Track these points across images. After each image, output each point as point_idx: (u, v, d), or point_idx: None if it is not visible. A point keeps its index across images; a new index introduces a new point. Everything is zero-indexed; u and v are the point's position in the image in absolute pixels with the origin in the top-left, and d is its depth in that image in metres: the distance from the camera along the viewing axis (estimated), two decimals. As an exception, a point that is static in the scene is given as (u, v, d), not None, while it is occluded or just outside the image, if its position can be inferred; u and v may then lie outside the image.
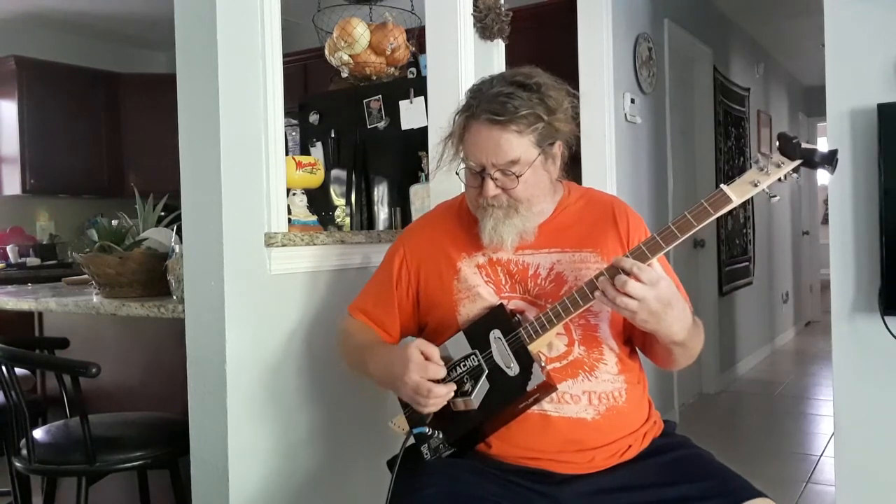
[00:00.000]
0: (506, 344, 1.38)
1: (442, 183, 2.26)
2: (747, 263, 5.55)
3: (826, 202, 2.63)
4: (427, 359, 1.36)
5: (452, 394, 1.38)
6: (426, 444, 1.44)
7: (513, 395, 1.37)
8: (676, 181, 4.30)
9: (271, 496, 1.79)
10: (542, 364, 1.38)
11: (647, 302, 1.24)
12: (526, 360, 1.36)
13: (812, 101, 7.83)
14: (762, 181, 1.22)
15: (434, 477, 1.35)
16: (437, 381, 1.35)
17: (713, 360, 4.77)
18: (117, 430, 1.90)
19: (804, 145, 1.20)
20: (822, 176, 9.03)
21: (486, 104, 1.38)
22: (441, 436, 1.43)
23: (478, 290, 1.47)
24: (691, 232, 1.27)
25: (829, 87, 2.37)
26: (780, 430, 4.03)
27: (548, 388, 1.36)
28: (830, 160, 1.20)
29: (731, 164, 5.26)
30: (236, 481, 1.71)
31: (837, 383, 2.38)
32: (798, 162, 1.21)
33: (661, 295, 1.25)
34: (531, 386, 1.35)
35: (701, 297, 4.68)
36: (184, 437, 1.78)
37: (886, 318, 2.26)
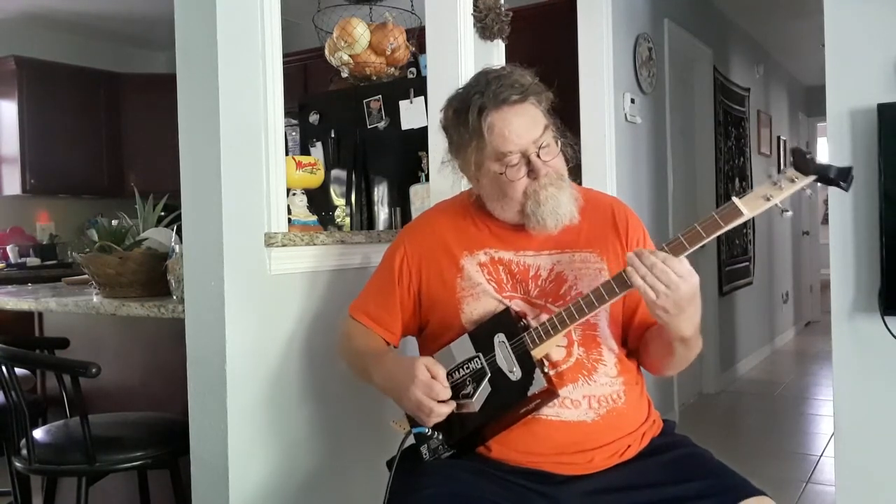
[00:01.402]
0: (509, 348, 1.38)
1: (442, 183, 2.26)
2: (747, 263, 5.55)
3: (826, 202, 2.63)
4: (433, 378, 1.35)
5: (453, 409, 1.37)
6: (425, 445, 1.44)
7: (514, 399, 1.37)
8: (676, 181, 4.30)
9: (271, 496, 1.79)
10: (545, 370, 1.38)
11: (675, 291, 1.25)
12: (528, 365, 1.36)
13: (812, 102, 7.83)
14: (775, 196, 1.21)
15: (433, 477, 1.35)
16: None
17: (713, 360, 4.77)
18: (117, 430, 1.90)
19: (819, 161, 1.19)
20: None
21: (497, 91, 1.38)
22: (441, 437, 1.43)
23: (482, 288, 1.47)
24: (701, 243, 1.27)
25: (829, 87, 2.37)
26: (780, 430, 4.03)
27: (549, 394, 1.36)
28: (846, 177, 1.19)
29: (731, 164, 5.26)
30: (236, 481, 1.71)
31: (837, 383, 2.38)
32: (812, 178, 1.20)
33: (689, 289, 1.27)
34: (532, 391, 1.35)
35: (701, 297, 4.67)
36: (184, 437, 1.78)
37: (886, 318, 2.25)
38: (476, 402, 1.39)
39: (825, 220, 4.71)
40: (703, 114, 4.86)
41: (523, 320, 1.41)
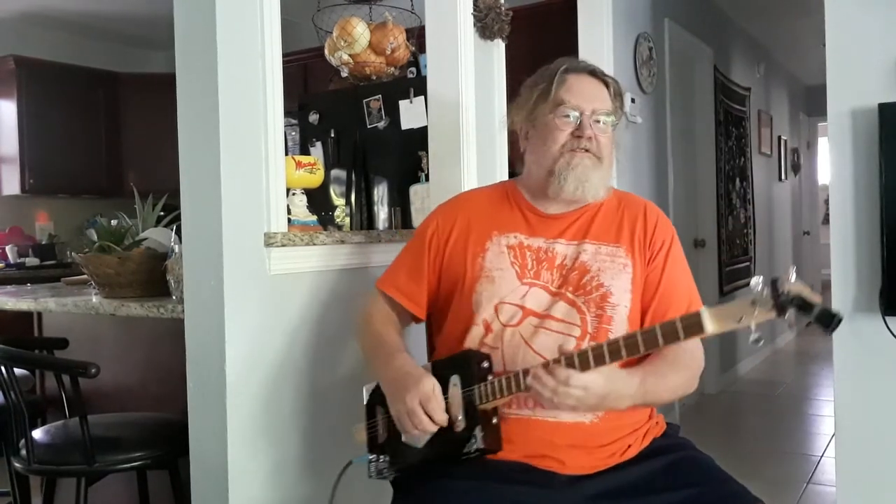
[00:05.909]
0: (461, 394, 1.35)
1: (442, 183, 2.26)
2: (748, 264, 5.55)
3: (827, 202, 2.63)
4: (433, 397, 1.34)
5: (434, 430, 1.35)
6: (373, 465, 1.45)
7: (451, 451, 1.34)
8: (677, 181, 4.30)
9: (271, 496, 1.79)
10: (494, 421, 1.34)
11: (583, 402, 1.26)
12: (472, 420, 1.33)
13: (813, 101, 7.82)
14: (746, 319, 1.13)
15: (433, 476, 1.35)
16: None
17: (714, 360, 4.76)
18: (117, 430, 1.89)
19: (800, 295, 1.09)
20: (823, 175, 8.99)
21: (585, 65, 1.53)
22: (387, 459, 1.43)
23: (500, 271, 1.47)
24: (654, 349, 1.26)
25: (830, 86, 2.37)
26: (780, 430, 4.02)
27: (485, 453, 1.34)
28: (828, 322, 1.07)
29: (732, 163, 5.26)
30: (236, 481, 1.70)
31: (838, 383, 2.38)
32: (790, 313, 1.10)
33: (589, 398, 1.25)
34: (468, 448, 1.32)
35: (701, 297, 4.66)
36: (184, 437, 1.78)
37: (887, 318, 2.25)
38: (419, 440, 1.37)
39: (826, 220, 4.71)
40: (703, 113, 4.85)
41: (486, 362, 1.37)
